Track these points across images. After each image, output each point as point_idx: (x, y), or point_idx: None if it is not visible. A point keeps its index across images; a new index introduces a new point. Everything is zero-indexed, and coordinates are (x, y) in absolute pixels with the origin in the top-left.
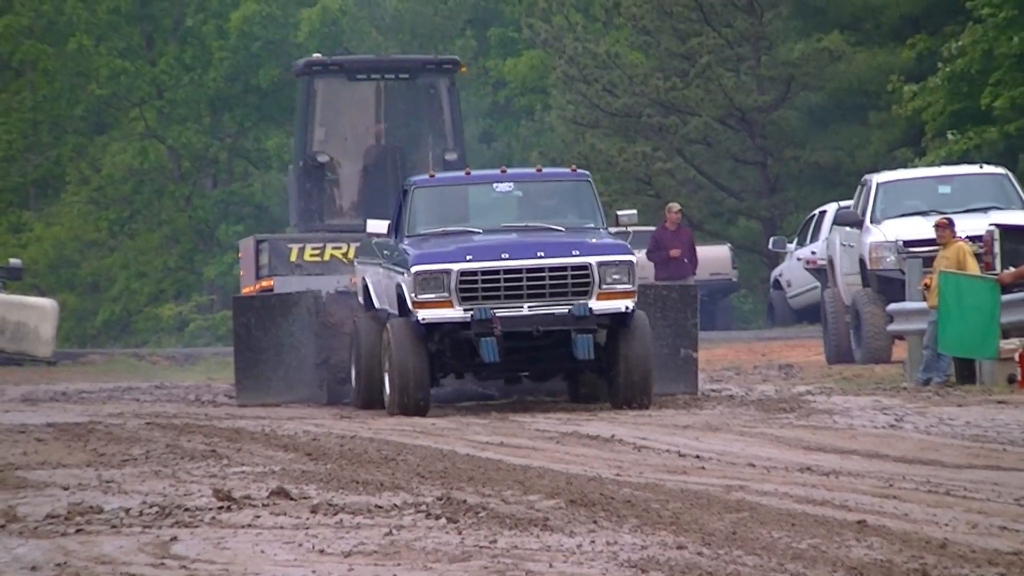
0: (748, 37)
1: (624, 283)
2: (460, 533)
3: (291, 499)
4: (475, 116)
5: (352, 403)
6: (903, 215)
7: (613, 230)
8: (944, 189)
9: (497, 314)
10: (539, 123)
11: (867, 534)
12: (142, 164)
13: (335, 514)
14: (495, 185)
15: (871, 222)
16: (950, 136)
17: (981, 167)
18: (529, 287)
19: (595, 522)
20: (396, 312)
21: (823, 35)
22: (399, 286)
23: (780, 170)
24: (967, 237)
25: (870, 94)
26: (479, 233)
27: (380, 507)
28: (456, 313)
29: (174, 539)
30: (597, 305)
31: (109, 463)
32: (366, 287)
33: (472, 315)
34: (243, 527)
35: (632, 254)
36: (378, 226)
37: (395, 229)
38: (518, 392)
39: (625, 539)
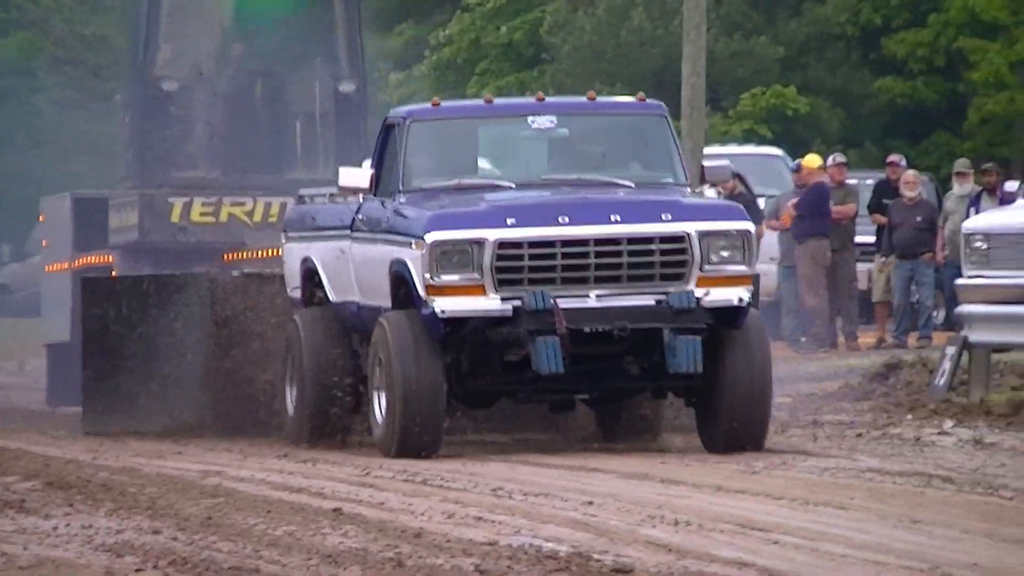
0: None
1: (737, 263)
2: None
3: None
4: None
5: (288, 437)
6: None
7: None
8: None
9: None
10: None
11: (343, 522)
12: None
13: None
14: (530, 119)
15: None
16: None
17: None
18: (599, 267)
19: (71, 505)
20: (388, 304)
21: None
22: (398, 264)
23: None
24: None
25: None
26: (510, 189)
27: None
28: (491, 304)
29: None
30: (698, 294)
31: None
32: (310, 272)
33: (520, 305)
34: None
35: (749, 220)
36: (356, 178)
37: (376, 183)
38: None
39: (101, 523)
